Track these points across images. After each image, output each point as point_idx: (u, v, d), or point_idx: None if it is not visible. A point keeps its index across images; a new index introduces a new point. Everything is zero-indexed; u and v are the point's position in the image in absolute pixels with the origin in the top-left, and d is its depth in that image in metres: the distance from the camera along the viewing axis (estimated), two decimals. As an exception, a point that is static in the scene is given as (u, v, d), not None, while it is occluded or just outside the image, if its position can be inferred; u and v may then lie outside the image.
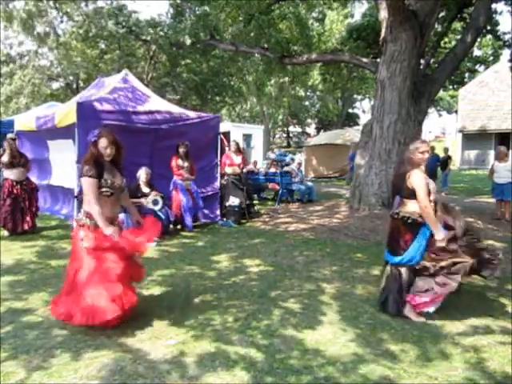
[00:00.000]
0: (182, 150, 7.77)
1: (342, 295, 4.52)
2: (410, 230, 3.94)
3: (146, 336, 3.49)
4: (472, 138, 19.72)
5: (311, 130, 50.81)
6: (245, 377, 2.91)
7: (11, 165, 7.35)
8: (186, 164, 7.81)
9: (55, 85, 27.07)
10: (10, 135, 9.14)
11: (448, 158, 14.99)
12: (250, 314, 3.97)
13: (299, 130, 51.84)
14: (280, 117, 44.86)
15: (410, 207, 3.97)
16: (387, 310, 4.02)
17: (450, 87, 27.36)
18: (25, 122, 9.88)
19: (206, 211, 8.62)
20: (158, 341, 3.42)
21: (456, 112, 27.19)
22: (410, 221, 3.93)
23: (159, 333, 3.56)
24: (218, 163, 8.99)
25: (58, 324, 3.67)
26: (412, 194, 3.95)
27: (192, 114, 8.89)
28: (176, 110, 8.82)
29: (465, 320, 3.87)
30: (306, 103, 43.60)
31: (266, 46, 13.86)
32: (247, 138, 21.06)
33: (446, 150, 15.82)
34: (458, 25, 14.46)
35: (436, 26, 12.54)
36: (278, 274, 5.23)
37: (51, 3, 12.95)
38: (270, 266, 5.58)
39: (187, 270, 5.39)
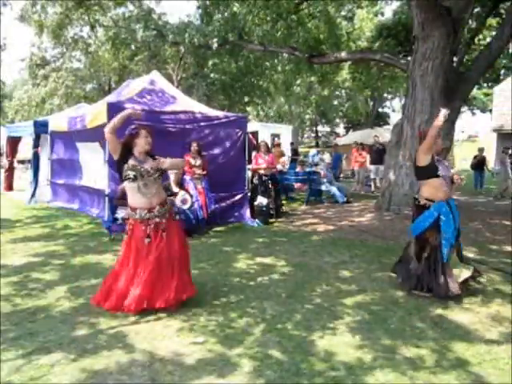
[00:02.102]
0: (193, 148, 7.83)
1: (370, 298, 4.44)
2: (420, 212, 4.39)
3: (171, 334, 3.52)
4: (508, 138, 19.04)
5: (340, 129, 50.34)
6: (270, 376, 2.90)
7: None
8: (197, 162, 7.86)
9: (88, 86, 27.70)
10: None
11: (483, 159, 14.56)
12: (275, 315, 3.95)
13: (328, 129, 51.44)
14: (308, 116, 44.57)
15: (422, 190, 4.42)
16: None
17: (485, 85, 26.53)
18: (57, 122, 10.12)
19: (235, 212, 8.66)
20: (186, 339, 3.43)
21: (490, 111, 26.37)
22: (416, 202, 4.44)
23: (184, 331, 3.56)
24: (246, 163, 9.00)
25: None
26: (418, 174, 4.44)
27: (219, 113, 8.93)
28: (204, 110, 8.87)
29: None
30: (335, 102, 43.15)
31: (294, 45, 13.77)
32: (275, 137, 20.98)
33: (480, 150, 15.36)
34: (493, 21, 13.98)
35: (470, 22, 12.19)
36: (306, 275, 5.18)
37: (81, 11, 13.29)
38: (296, 266, 5.53)
39: (213, 269, 5.40)
